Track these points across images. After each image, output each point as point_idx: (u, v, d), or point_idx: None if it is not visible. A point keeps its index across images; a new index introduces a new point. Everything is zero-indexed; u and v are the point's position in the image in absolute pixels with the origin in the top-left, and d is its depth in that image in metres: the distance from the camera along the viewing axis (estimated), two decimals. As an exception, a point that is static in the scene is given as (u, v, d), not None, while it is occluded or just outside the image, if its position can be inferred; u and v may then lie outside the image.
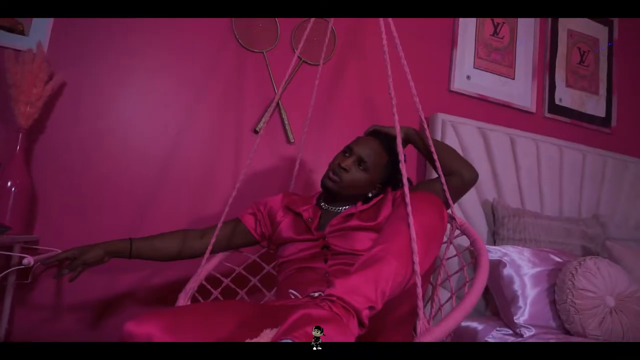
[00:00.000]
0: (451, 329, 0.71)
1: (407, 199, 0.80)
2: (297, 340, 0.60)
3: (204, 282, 1.20)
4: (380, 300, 0.71)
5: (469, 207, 1.76)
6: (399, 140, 0.85)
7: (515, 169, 1.87)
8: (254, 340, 0.71)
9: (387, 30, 0.95)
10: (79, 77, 1.44)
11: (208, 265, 1.25)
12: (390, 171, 1.16)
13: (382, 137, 1.17)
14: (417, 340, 0.68)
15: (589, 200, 1.98)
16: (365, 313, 0.69)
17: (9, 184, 1.27)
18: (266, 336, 0.71)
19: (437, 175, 1.09)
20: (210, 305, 0.89)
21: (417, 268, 0.74)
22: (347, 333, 0.65)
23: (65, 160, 1.41)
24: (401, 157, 0.84)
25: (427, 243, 0.81)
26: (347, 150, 1.15)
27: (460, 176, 1.06)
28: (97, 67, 1.46)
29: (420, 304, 0.72)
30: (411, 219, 0.78)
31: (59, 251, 1.26)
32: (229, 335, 0.77)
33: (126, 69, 1.50)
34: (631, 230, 1.91)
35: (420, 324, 0.70)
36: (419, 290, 0.72)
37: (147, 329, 0.73)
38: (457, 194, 1.08)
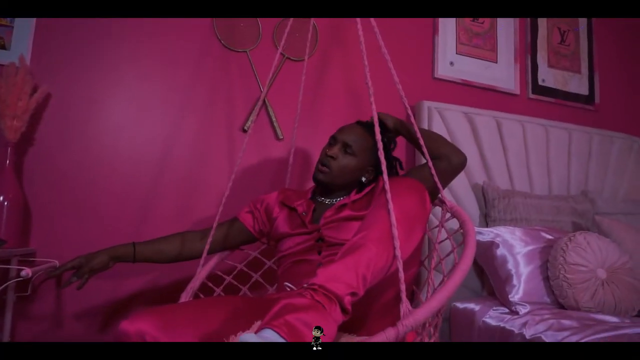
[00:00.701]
0: (434, 310, 0.73)
1: (387, 186, 0.82)
2: (276, 329, 0.62)
3: (206, 281, 1.24)
4: (361, 286, 0.73)
5: (459, 191, 1.78)
6: (376, 127, 0.87)
7: (503, 151, 1.90)
8: (246, 332, 0.73)
9: (365, 21, 0.97)
10: (63, 88, 1.44)
11: (209, 264, 1.28)
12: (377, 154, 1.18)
13: (367, 124, 1.19)
14: (400, 323, 0.69)
15: (577, 177, 2.01)
16: (347, 299, 0.71)
17: (1, 198, 1.28)
18: (256, 328, 0.73)
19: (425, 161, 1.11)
20: (203, 301, 0.91)
21: (398, 253, 0.76)
22: (328, 319, 0.67)
23: (56, 170, 1.42)
24: (379, 145, 0.85)
25: (409, 228, 0.82)
26: (332, 140, 1.18)
27: (448, 160, 1.08)
28: (81, 76, 1.47)
29: (402, 287, 0.73)
30: (391, 205, 0.79)
31: (56, 262, 1.28)
32: (219, 328, 0.80)
33: (111, 75, 1.50)
34: (619, 204, 1.95)
35: (403, 307, 0.71)
36: (401, 274, 0.74)
37: (140, 326, 0.76)
38: (447, 177, 1.10)
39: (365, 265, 0.73)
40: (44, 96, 1.39)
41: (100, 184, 1.45)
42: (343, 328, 0.91)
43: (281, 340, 0.62)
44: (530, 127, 1.96)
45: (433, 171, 1.04)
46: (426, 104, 1.82)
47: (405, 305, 0.71)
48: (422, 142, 1.07)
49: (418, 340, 0.82)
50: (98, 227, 1.43)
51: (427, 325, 0.84)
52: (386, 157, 1.14)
